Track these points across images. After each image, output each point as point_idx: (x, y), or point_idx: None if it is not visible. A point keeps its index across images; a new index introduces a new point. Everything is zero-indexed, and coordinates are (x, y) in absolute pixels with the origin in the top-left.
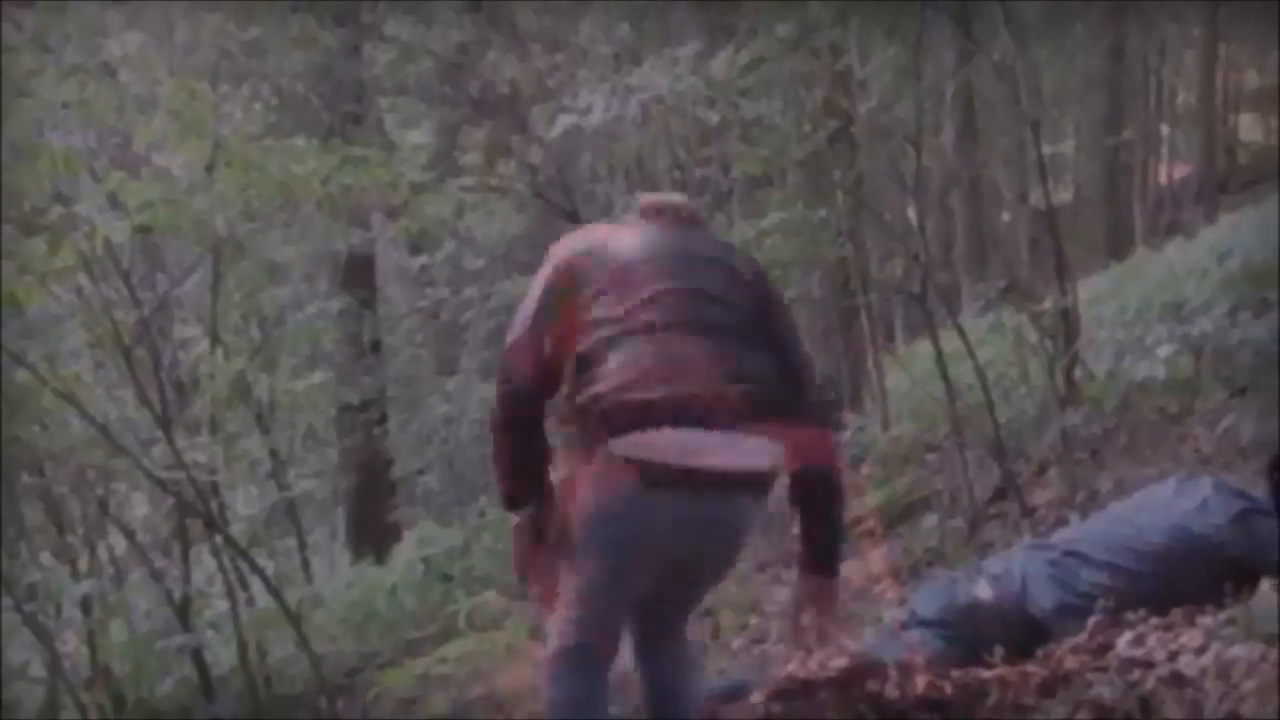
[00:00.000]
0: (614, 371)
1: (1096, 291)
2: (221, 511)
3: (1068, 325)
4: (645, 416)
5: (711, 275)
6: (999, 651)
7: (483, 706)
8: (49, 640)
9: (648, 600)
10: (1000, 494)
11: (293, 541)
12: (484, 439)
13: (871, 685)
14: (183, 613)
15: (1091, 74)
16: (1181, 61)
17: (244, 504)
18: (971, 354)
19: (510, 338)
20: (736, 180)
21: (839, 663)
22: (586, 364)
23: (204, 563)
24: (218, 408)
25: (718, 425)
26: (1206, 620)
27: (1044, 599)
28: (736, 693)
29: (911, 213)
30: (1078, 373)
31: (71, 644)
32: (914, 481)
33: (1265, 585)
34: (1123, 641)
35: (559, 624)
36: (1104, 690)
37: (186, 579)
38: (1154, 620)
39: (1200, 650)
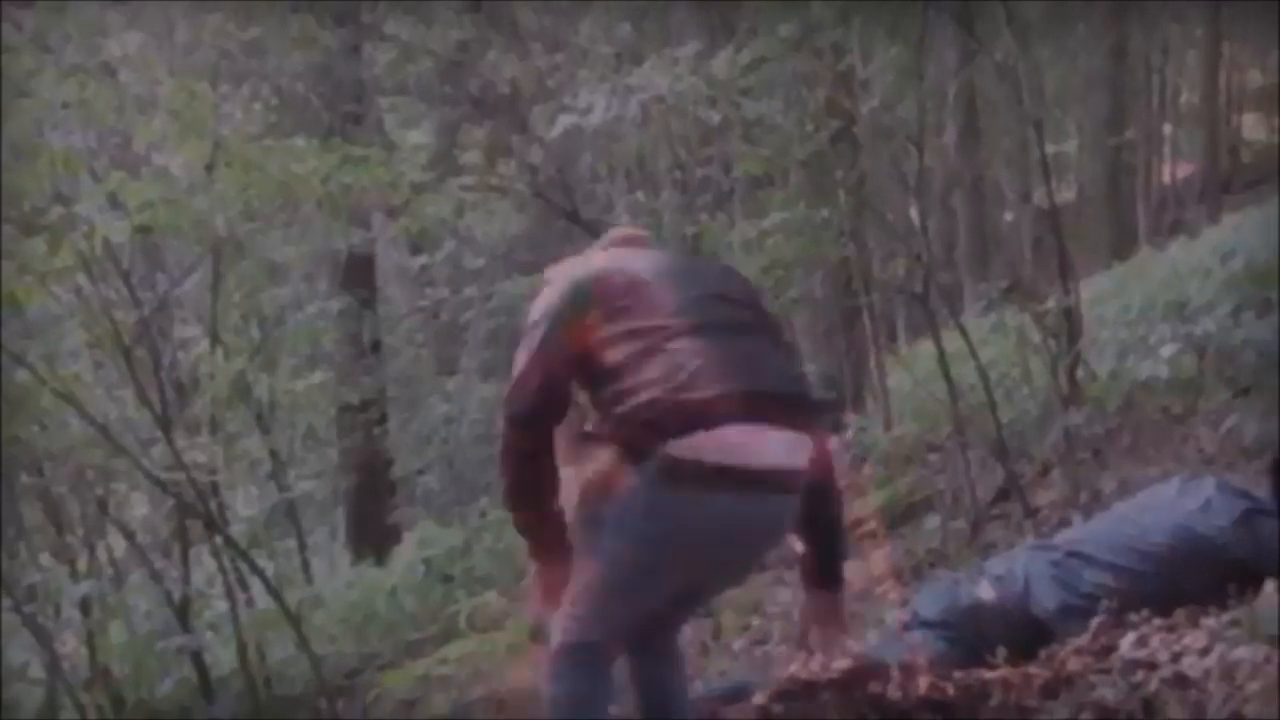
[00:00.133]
0: (662, 376)
1: (1099, 291)
2: (221, 512)
3: (1070, 325)
4: (704, 415)
5: (729, 282)
6: (1001, 653)
7: (483, 708)
8: (48, 641)
9: (669, 600)
10: (1003, 494)
11: (293, 542)
12: (484, 439)
13: (874, 686)
14: (182, 614)
15: (1094, 73)
16: (1184, 61)
17: (244, 504)
18: (974, 354)
19: (517, 367)
20: (738, 180)
21: (841, 664)
22: (620, 374)
23: (204, 563)
24: (218, 408)
25: (769, 423)
26: (1210, 621)
27: (1047, 600)
28: (738, 694)
29: (914, 212)
30: (1080, 373)
31: (71, 645)
32: (916, 482)
33: (1269, 586)
34: (1126, 643)
35: (563, 620)
36: (1107, 692)
37: (186, 580)
38: (1157, 621)
39: (1204, 652)
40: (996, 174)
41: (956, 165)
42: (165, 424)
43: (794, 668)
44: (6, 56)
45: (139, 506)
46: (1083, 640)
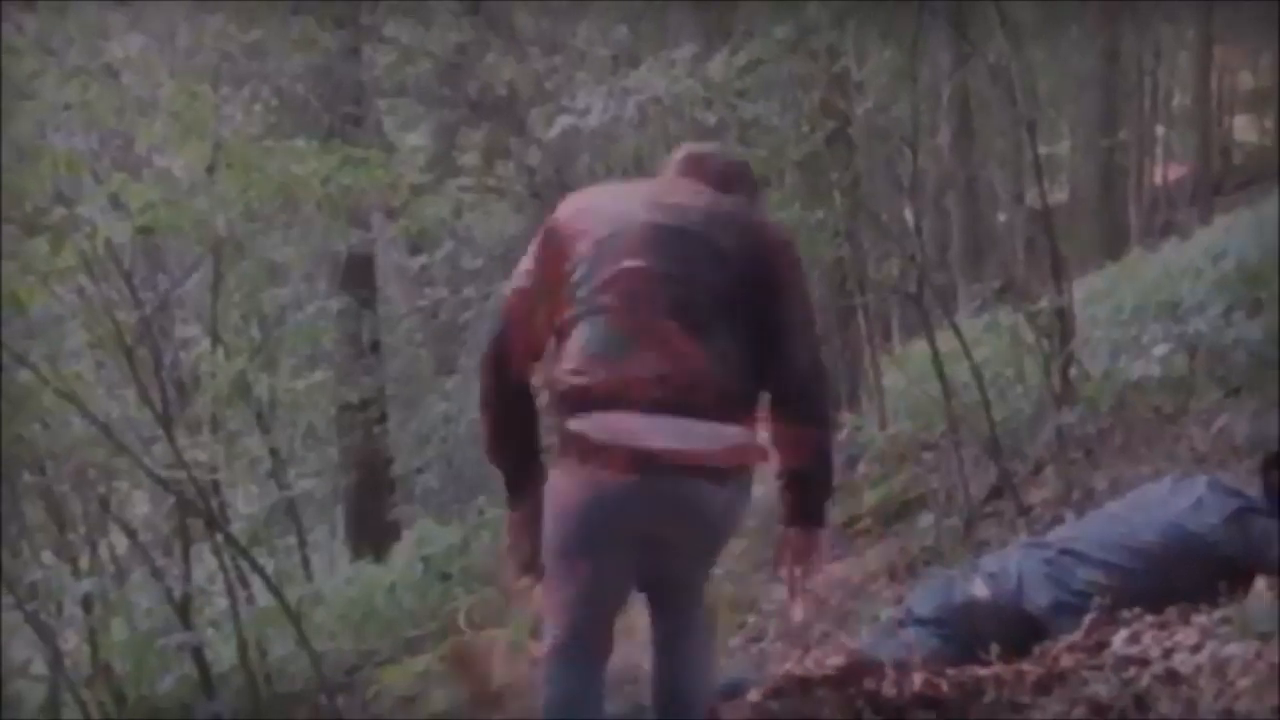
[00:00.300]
0: (571, 353)
1: (1092, 291)
2: (222, 510)
3: (1063, 325)
4: (586, 401)
5: (691, 255)
6: (995, 649)
7: (481, 704)
8: (50, 638)
9: (616, 586)
10: (996, 493)
11: (293, 540)
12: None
13: (869, 683)
14: (183, 611)
15: (1087, 75)
16: (1176, 63)
17: (244, 502)
18: (968, 353)
19: (510, 285)
20: None
21: (836, 661)
22: (559, 340)
23: (204, 561)
24: (218, 407)
25: (664, 411)
26: (1201, 618)
27: (1040, 597)
28: (734, 691)
29: (908, 213)
30: (1073, 372)
31: (73, 642)
32: (910, 480)
33: (1260, 584)
34: (1118, 639)
35: (549, 621)
36: (1100, 688)
37: (187, 577)
38: (1149, 618)
39: (1195, 648)
40: (990, 175)
41: (950, 166)
42: (166, 423)
43: (789, 665)
44: (10, 59)
45: (140, 505)
46: (1075, 637)
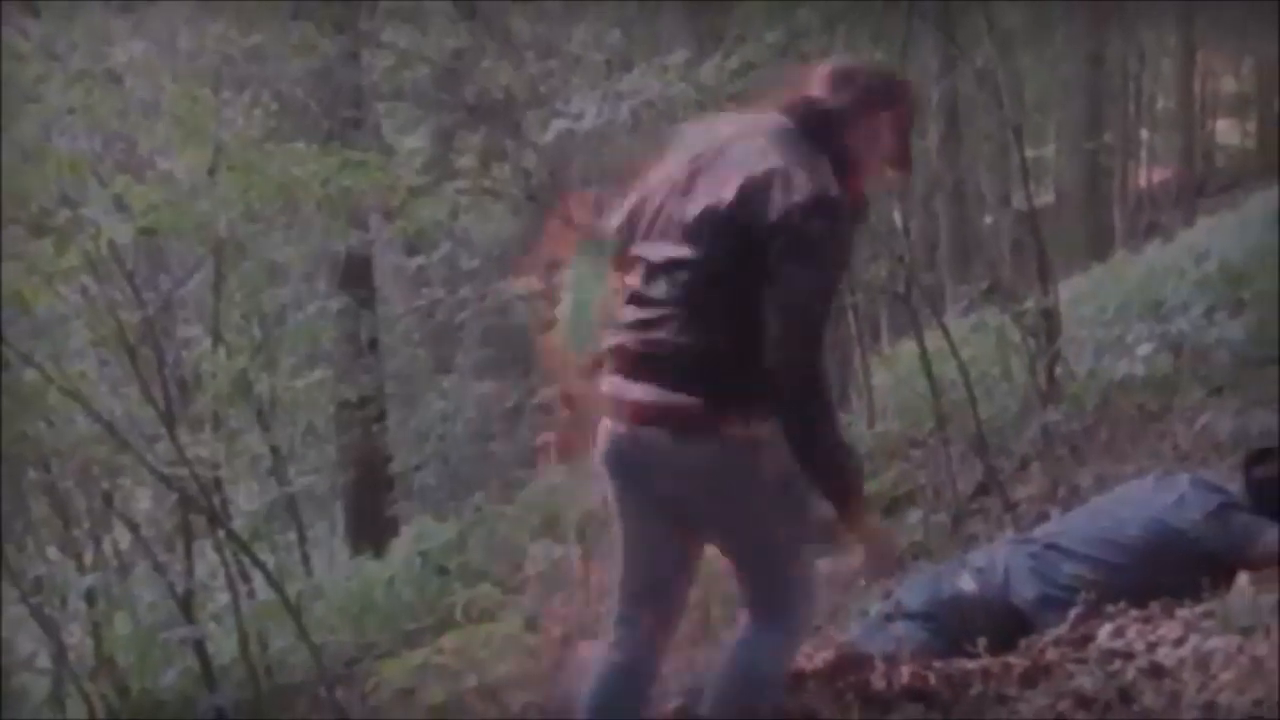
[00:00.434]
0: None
1: (1077, 292)
2: (224, 506)
3: (1049, 324)
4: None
5: (693, 235)
6: (982, 643)
7: (478, 696)
8: (55, 632)
9: (651, 552)
10: (983, 489)
11: (293, 536)
12: (479, 436)
13: (858, 676)
14: (185, 605)
15: (1072, 80)
16: (1160, 68)
17: (245, 499)
18: (955, 353)
19: None
20: None
21: (826, 654)
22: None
23: (206, 557)
24: (220, 405)
25: (639, 380)
26: (1185, 613)
27: (1026, 591)
28: None
29: (897, 215)
30: (1059, 371)
31: (77, 636)
32: (899, 477)
33: (1242, 579)
34: (1103, 633)
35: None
36: (1085, 681)
37: (189, 572)
38: (1133, 613)
39: (1179, 642)
40: (977, 177)
41: (938, 169)
42: (169, 421)
43: None
44: (15, 63)
45: (143, 501)
46: (1061, 631)
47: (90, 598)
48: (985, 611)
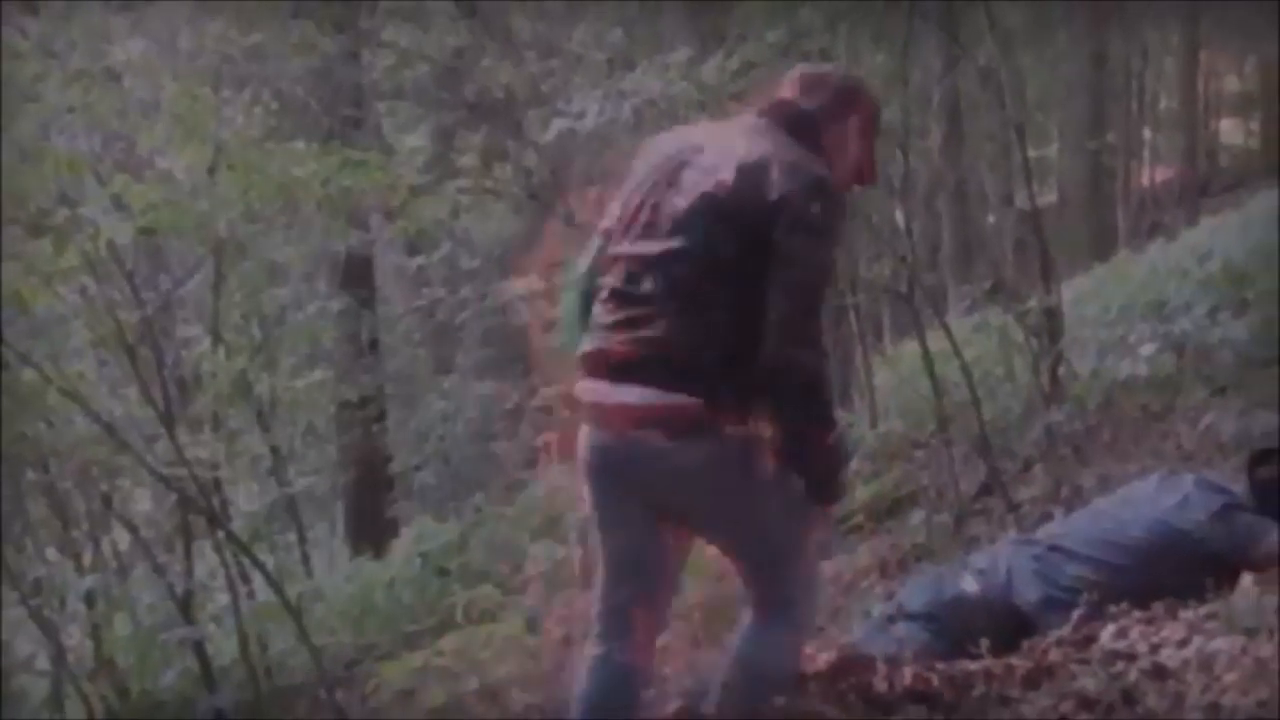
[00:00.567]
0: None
1: (1080, 292)
2: (223, 507)
3: (1052, 324)
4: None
5: (686, 225)
6: (985, 644)
7: (479, 698)
8: (54, 633)
9: (632, 551)
10: (986, 490)
11: (293, 536)
12: (480, 436)
13: (860, 678)
14: (185, 606)
15: (1075, 79)
16: (1162, 67)
17: (245, 500)
18: (958, 353)
19: None
20: None
21: (828, 656)
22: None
23: (206, 557)
24: (219, 405)
25: (624, 381)
26: (1188, 614)
27: (1029, 593)
28: None
29: (899, 215)
30: (1062, 371)
31: (76, 637)
32: (902, 477)
33: (1246, 579)
34: (1106, 634)
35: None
36: (1088, 682)
37: (189, 573)
38: (1136, 614)
39: (1182, 643)
40: (980, 177)
41: (941, 168)
42: (168, 421)
43: None
44: (14, 62)
45: (143, 502)
46: (1064, 632)
47: (89, 599)
48: (988, 613)
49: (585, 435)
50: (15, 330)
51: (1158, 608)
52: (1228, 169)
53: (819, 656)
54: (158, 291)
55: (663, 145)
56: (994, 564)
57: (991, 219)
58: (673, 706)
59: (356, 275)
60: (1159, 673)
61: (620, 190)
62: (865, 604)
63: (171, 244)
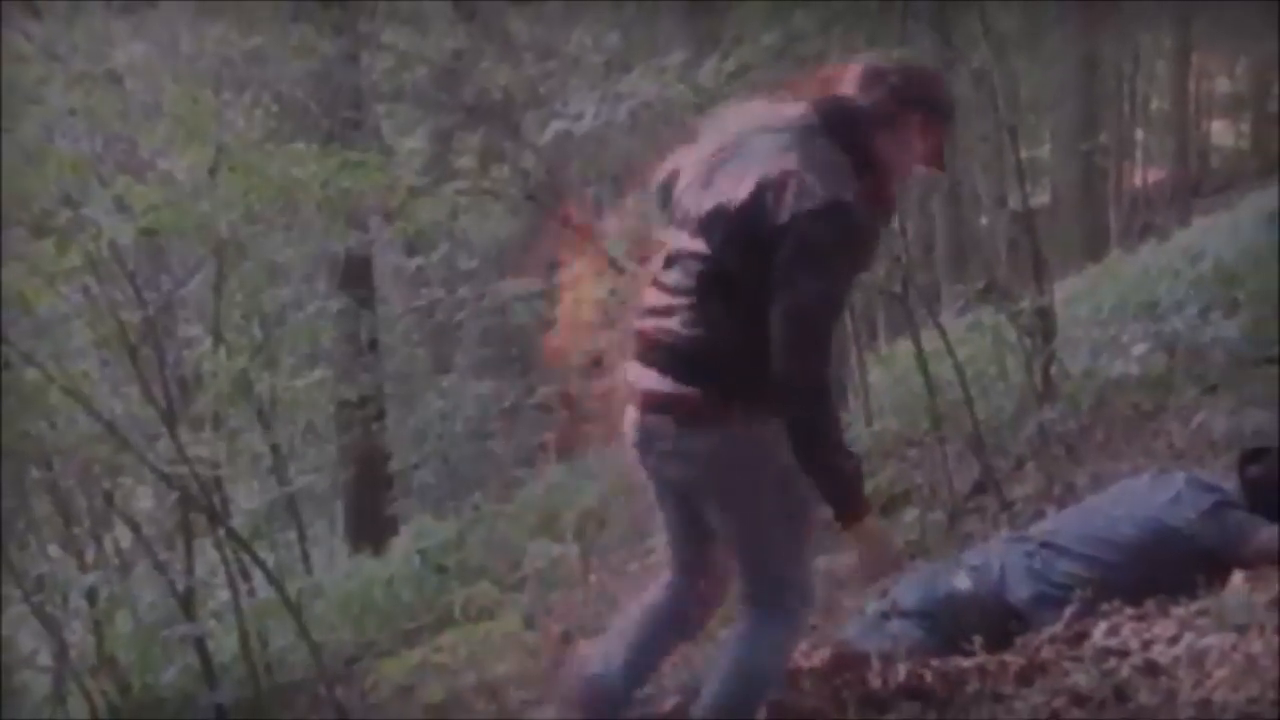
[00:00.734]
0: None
1: (1073, 292)
2: (224, 505)
3: (1045, 324)
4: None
5: (705, 229)
6: (978, 641)
7: (477, 694)
8: (56, 630)
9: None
10: (979, 488)
11: (293, 534)
12: (478, 435)
13: (854, 674)
14: (186, 603)
15: (1067, 81)
16: (1154, 70)
17: (246, 498)
18: (951, 352)
19: None
20: None
21: (822, 653)
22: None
23: (207, 555)
24: (220, 404)
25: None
26: (1180, 610)
27: (1021, 590)
28: None
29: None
30: (1054, 370)
31: (78, 633)
32: (896, 476)
33: (1237, 577)
34: (1098, 631)
35: None
36: (1080, 678)
37: (190, 571)
38: (1129, 610)
39: (1173, 640)
40: (973, 178)
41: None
42: (170, 420)
43: None
44: (17, 65)
45: (144, 500)
46: (1056, 629)
47: (91, 596)
48: (981, 610)
49: (628, 411)
50: (18, 330)
51: (1149, 605)
52: (1219, 170)
53: (814, 653)
54: (159, 292)
55: (722, 124)
56: (987, 561)
57: (985, 220)
58: (670, 703)
59: (356, 275)
60: (1151, 669)
61: (678, 157)
62: (859, 601)
63: (173, 245)
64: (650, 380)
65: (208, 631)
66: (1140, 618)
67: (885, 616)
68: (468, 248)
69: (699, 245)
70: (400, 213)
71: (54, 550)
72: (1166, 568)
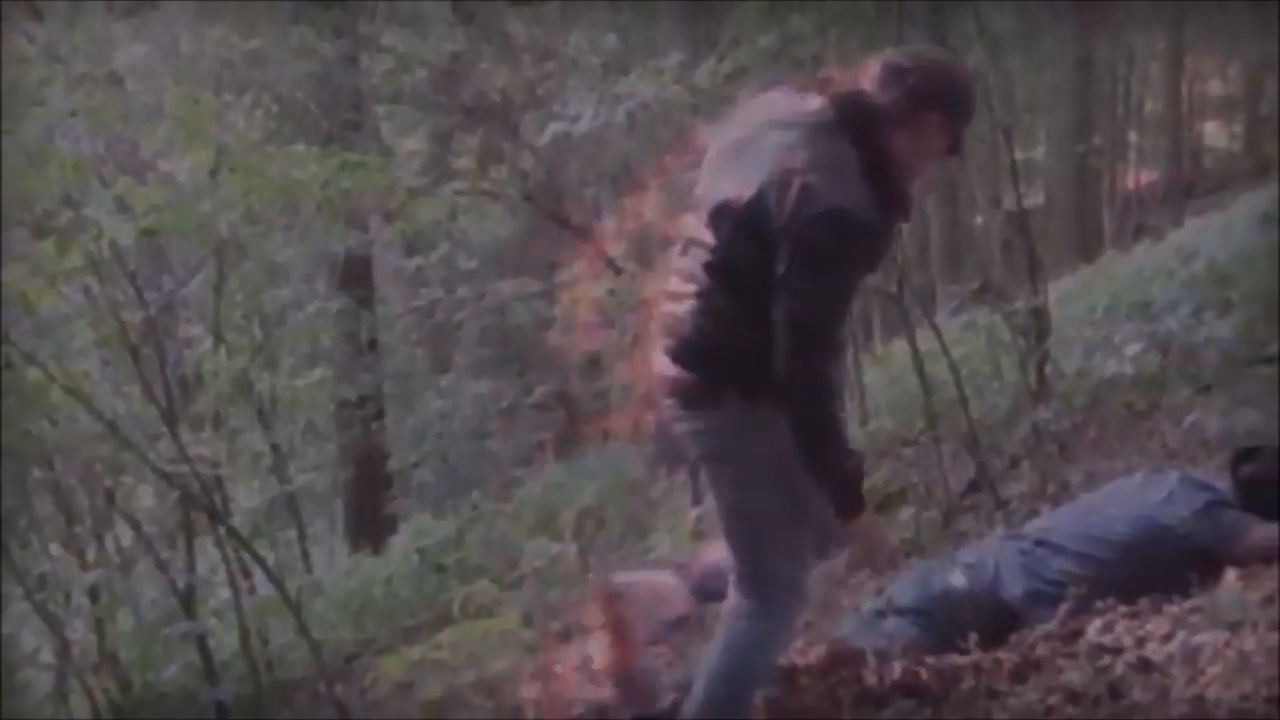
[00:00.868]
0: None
1: (1067, 292)
2: (224, 504)
3: (1039, 324)
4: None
5: (713, 221)
6: (973, 638)
7: (476, 691)
8: (58, 628)
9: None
10: (974, 486)
11: (293, 533)
12: (477, 434)
13: (850, 672)
14: (187, 601)
15: (1062, 83)
16: (1148, 71)
17: (246, 497)
18: (946, 352)
19: None
20: None
21: (818, 650)
22: None
23: (207, 553)
24: (221, 404)
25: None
26: (1173, 608)
27: (1016, 587)
28: None
29: None
30: (1049, 370)
31: (80, 631)
32: (891, 475)
33: (1230, 574)
34: (1092, 629)
35: None
36: (1074, 676)
37: (191, 569)
38: (1122, 608)
39: (1167, 637)
40: (968, 179)
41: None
42: (170, 419)
43: None
44: (19, 67)
45: (145, 499)
46: (1051, 626)
47: (93, 594)
48: (976, 607)
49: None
50: (20, 330)
51: (1143, 602)
52: (1212, 171)
53: (809, 651)
54: (160, 292)
55: (750, 114)
56: (982, 559)
57: (980, 220)
58: (667, 699)
59: (355, 276)
60: (1144, 666)
61: (714, 137)
62: (855, 599)
63: (174, 245)
64: (663, 363)
65: (208, 629)
66: (1134, 615)
67: (881, 614)
68: (467, 248)
69: (706, 236)
70: (400, 213)
71: (56, 549)
72: (1160, 566)
